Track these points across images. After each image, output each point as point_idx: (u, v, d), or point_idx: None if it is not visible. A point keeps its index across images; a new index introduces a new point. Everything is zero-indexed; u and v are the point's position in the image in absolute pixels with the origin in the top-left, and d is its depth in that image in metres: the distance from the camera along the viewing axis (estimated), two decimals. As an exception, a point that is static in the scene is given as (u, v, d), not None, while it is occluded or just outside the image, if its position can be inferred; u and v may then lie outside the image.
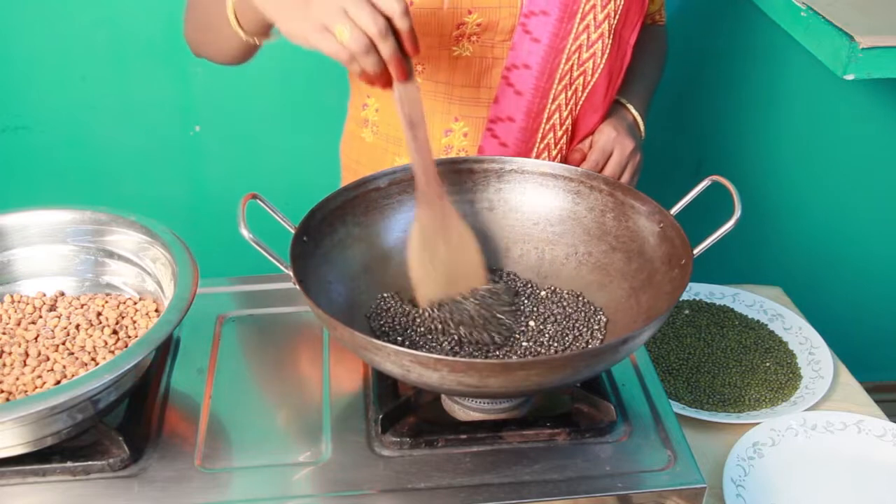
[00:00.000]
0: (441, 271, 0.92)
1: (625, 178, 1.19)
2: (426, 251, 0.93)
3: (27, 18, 1.66)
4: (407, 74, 0.84)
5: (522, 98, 1.12)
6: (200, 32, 1.09)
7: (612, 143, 1.17)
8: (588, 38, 1.10)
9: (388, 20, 0.81)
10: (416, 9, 1.05)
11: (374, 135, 1.21)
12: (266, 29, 0.97)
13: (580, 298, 0.96)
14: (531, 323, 0.93)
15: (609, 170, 1.17)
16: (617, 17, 1.11)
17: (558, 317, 0.94)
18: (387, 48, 0.81)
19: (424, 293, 0.93)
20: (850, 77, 1.20)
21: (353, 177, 1.13)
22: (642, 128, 1.24)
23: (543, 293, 0.97)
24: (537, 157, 1.17)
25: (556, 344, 0.90)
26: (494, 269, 1.01)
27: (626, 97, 1.24)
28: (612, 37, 1.11)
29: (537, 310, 0.95)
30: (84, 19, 1.66)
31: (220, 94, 1.76)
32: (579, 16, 1.09)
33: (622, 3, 1.10)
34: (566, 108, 1.15)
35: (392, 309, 0.94)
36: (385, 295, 0.95)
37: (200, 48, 1.13)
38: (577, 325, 0.93)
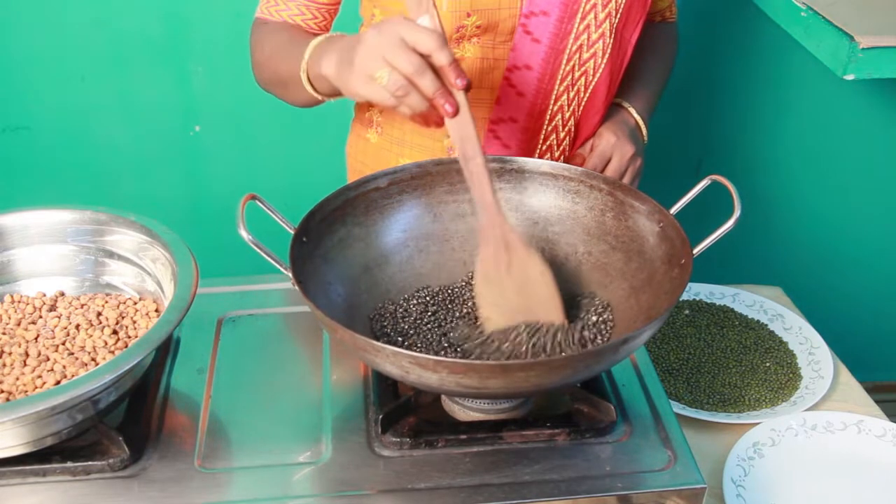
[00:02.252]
0: (508, 307, 0.88)
1: (624, 182, 1.18)
2: (490, 286, 0.89)
3: (27, 18, 1.66)
4: (454, 110, 0.83)
5: (524, 99, 1.12)
6: (276, 86, 1.13)
7: (611, 148, 1.16)
8: (588, 37, 1.10)
9: (427, 57, 0.81)
10: None
11: (380, 135, 1.22)
12: (338, 91, 0.98)
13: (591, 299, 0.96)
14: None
15: (607, 175, 1.16)
16: (618, 16, 1.10)
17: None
18: (426, 84, 0.82)
19: (495, 326, 0.89)
20: (850, 77, 1.20)
21: (358, 177, 1.13)
22: (644, 132, 1.23)
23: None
24: (540, 157, 1.17)
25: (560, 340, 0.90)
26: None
27: (629, 100, 1.24)
28: (613, 36, 1.11)
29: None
30: (84, 19, 1.67)
31: (220, 94, 1.76)
32: (580, 15, 1.09)
33: (623, 1, 1.10)
34: (568, 108, 1.15)
35: (395, 311, 0.94)
36: (388, 301, 0.95)
37: (270, 89, 1.16)
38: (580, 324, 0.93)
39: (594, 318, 0.91)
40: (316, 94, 1.02)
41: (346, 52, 0.88)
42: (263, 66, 1.13)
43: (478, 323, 0.91)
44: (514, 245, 0.89)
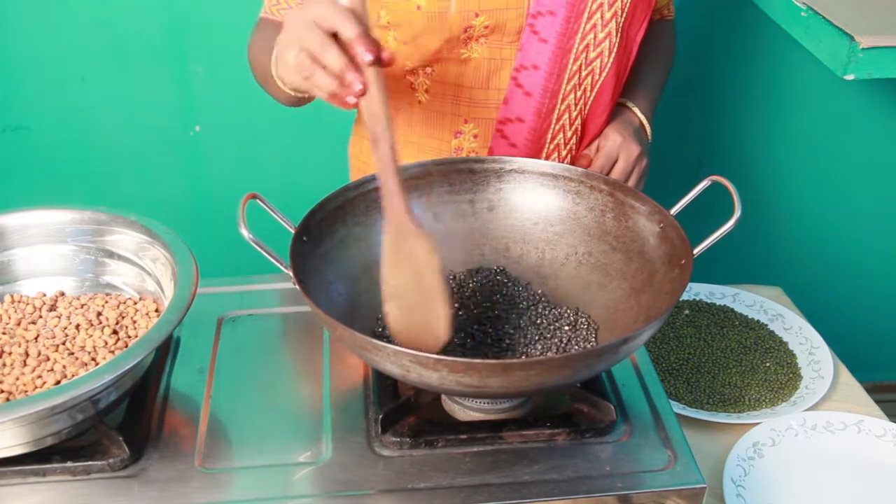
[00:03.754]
0: (408, 295, 0.85)
1: (630, 183, 1.18)
2: (392, 269, 0.85)
3: (27, 18, 1.66)
4: (360, 90, 0.76)
5: (532, 99, 1.12)
6: (262, 84, 1.11)
7: (617, 148, 1.16)
8: (595, 37, 1.10)
9: (335, 34, 0.77)
10: (423, 13, 1.05)
11: None
12: None
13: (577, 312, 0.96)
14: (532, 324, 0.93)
15: (614, 176, 1.16)
16: (624, 15, 1.10)
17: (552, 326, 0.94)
18: (331, 60, 0.77)
19: (393, 315, 0.85)
20: (850, 77, 1.20)
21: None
22: (648, 131, 1.23)
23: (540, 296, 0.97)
24: (547, 157, 1.17)
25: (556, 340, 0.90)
26: (496, 267, 1.01)
27: (633, 99, 1.24)
28: (619, 35, 1.11)
29: (536, 311, 0.95)
30: (84, 19, 1.67)
31: (220, 94, 1.76)
32: (586, 15, 1.09)
33: (629, 0, 1.10)
34: (575, 108, 1.15)
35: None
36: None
37: (265, 89, 1.14)
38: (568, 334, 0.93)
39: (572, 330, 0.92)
40: (284, 88, 0.96)
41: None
42: (253, 65, 1.12)
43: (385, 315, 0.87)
44: (412, 236, 0.83)
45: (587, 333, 0.92)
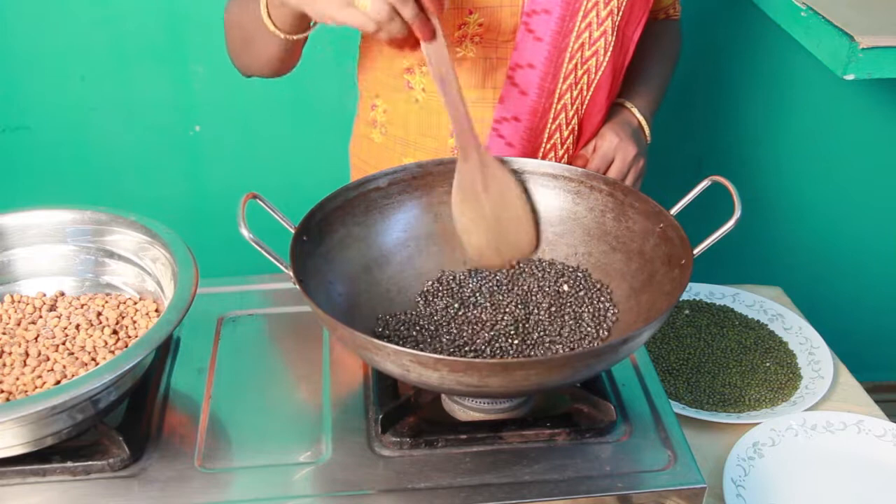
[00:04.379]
0: (485, 224, 0.97)
1: (626, 183, 1.18)
2: (467, 203, 0.97)
3: (27, 18, 1.66)
4: (432, 34, 0.90)
5: (528, 98, 1.12)
6: (243, 48, 1.11)
7: (613, 149, 1.16)
8: (590, 35, 1.10)
9: None
10: None
11: (383, 136, 1.22)
12: (300, 22, 1.00)
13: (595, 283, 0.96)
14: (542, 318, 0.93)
15: (610, 176, 1.16)
16: (620, 13, 1.10)
17: (566, 316, 0.94)
18: (408, 11, 0.87)
19: (473, 242, 0.97)
20: (850, 77, 1.20)
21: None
22: (647, 132, 1.23)
23: (565, 287, 0.97)
24: (544, 156, 1.17)
25: (566, 335, 0.90)
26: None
27: (632, 100, 1.23)
28: (615, 34, 1.11)
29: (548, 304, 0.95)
30: (84, 19, 1.67)
31: (220, 94, 1.76)
32: (581, 13, 1.08)
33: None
34: (571, 107, 1.14)
35: (400, 316, 0.94)
36: (397, 311, 0.95)
37: (247, 65, 1.14)
38: (585, 320, 0.93)
39: (597, 318, 0.92)
40: (277, 32, 1.01)
41: None
42: (230, 28, 1.11)
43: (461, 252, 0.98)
44: (488, 163, 0.96)
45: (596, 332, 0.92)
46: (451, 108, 0.95)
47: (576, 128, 1.17)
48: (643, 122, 1.22)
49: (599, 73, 1.13)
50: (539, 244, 0.99)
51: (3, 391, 0.84)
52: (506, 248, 0.99)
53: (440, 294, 0.97)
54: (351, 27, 0.89)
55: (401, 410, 0.86)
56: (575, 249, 1.00)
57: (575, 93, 1.14)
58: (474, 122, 1.14)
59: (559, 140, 1.17)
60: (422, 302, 0.96)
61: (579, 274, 0.97)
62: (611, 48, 1.12)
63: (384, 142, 1.22)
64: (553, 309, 0.94)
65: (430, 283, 0.98)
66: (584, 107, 1.16)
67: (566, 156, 1.19)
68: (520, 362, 0.76)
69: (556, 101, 1.13)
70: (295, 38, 1.03)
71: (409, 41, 0.91)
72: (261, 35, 1.03)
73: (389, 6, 0.86)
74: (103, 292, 0.99)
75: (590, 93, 1.15)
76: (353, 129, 1.30)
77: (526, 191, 0.99)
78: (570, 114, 1.15)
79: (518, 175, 1.01)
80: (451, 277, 0.99)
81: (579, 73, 1.12)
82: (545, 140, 1.16)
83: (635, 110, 1.22)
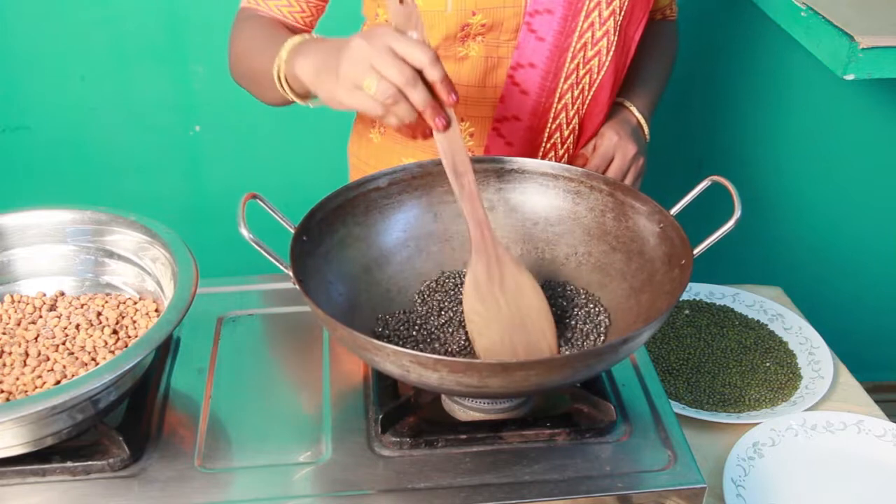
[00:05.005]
0: (502, 324, 0.88)
1: (626, 183, 1.18)
2: (482, 304, 0.89)
3: (27, 18, 1.66)
4: (445, 124, 0.84)
5: (528, 97, 1.12)
6: (249, 81, 1.11)
7: (613, 148, 1.16)
8: (593, 35, 1.10)
9: (419, 71, 0.81)
10: (419, 11, 1.05)
11: (382, 135, 1.22)
12: (309, 93, 0.98)
13: (588, 296, 0.96)
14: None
15: (610, 175, 1.16)
16: (622, 13, 1.10)
17: (557, 317, 0.94)
18: (417, 96, 0.82)
19: (485, 343, 0.88)
20: (850, 77, 1.20)
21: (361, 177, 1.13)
22: (646, 131, 1.23)
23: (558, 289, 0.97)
24: (544, 156, 1.17)
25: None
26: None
27: (631, 99, 1.23)
28: (617, 34, 1.11)
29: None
30: (84, 19, 1.67)
31: (220, 94, 1.76)
32: (583, 13, 1.08)
33: None
34: (572, 107, 1.14)
35: (400, 316, 0.94)
36: (397, 311, 0.95)
37: (248, 90, 1.14)
38: (578, 324, 0.93)
39: (587, 326, 0.92)
40: (288, 95, 1.00)
41: (328, 57, 0.87)
42: (239, 60, 1.11)
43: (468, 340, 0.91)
44: (505, 260, 0.89)
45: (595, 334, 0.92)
46: (467, 203, 0.88)
47: (576, 127, 1.17)
48: (642, 122, 1.23)
49: (601, 73, 1.13)
50: (559, 349, 0.91)
51: (3, 391, 0.84)
52: (521, 347, 0.88)
53: (440, 294, 0.97)
54: (361, 112, 0.86)
55: (401, 410, 0.86)
56: (575, 249, 1.00)
57: (576, 92, 1.14)
58: (474, 120, 1.15)
59: (559, 139, 1.17)
60: (421, 302, 0.96)
61: (569, 289, 0.97)
62: (613, 48, 1.12)
63: (382, 142, 1.22)
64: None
65: (429, 282, 0.98)
66: (585, 106, 1.16)
67: (566, 155, 1.19)
68: (520, 363, 0.76)
69: (556, 100, 1.13)
70: (302, 103, 1.01)
71: (420, 128, 0.86)
72: (269, 85, 1.01)
73: (395, 89, 0.81)
74: (103, 292, 0.99)
75: (591, 93, 1.15)
76: (351, 129, 1.30)
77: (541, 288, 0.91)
78: (571, 113, 1.15)
79: (518, 175, 1.01)
80: (451, 277, 0.99)
81: (581, 72, 1.13)
82: (545, 139, 1.16)
83: (634, 109, 1.23)
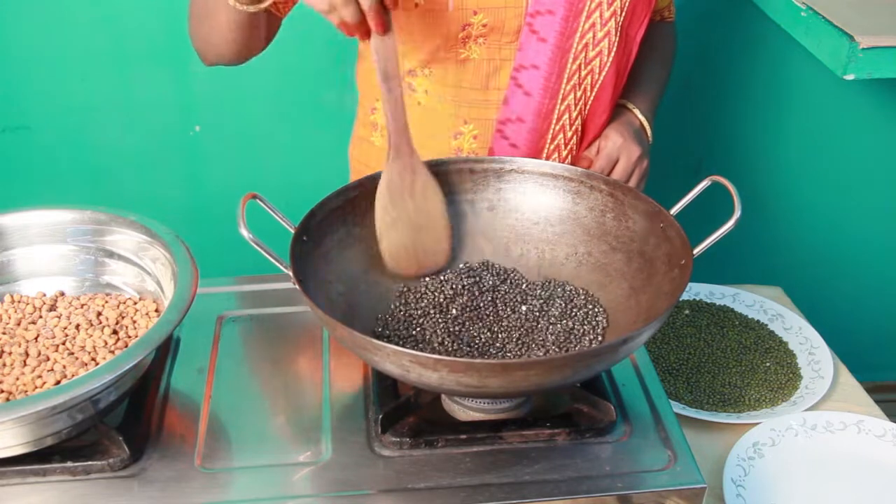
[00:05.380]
0: (406, 225, 0.96)
1: (631, 184, 1.18)
2: (393, 202, 0.96)
3: (27, 18, 1.66)
4: (385, 27, 0.89)
5: (532, 99, 1.12)
6: (202, 24, 1.08)
7: (617, 149, 1.16)
8: (594, 36, 1.10)
9: None
10: (421, 11, 1.05)
11: (384, 139, 1.22)
12: None
13: (587, 296, 0.96)
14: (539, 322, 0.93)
15: (615, 177, 1.16)
16: (623, 14, 1.10)
17: (557, 316, 0.94)
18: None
19: (394, 242, 0.96)
20: (850, 77, 1.20)
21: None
22: (649, 132, 1.24)
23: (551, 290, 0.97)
24: (547, 157, 1.17)
25: (556, 340, 0.90)
26: (499, 267, 1.01)
27: (633, 101, 1.24)
28: (618, 34, 1.11)
29: (541, 307, 0.95)
30: (84, 19, 1.66)
31: (220, 94, 1.76)
32: (585, 14, 1.08)
33: (628, 0, 1.10)
34: (575, 107, 1.15)
35: (400, 316, 0.94)
36: (395, 305, 0.95)
37: (205, 43, 1.12)
38: (576, 325, 0.93)
39: (585, 327, 0.92)
40: (234, 3, 0.98)
41: None
42: (190, 10, 1.10)
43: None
44: (419, 170, 0.96)
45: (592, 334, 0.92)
46: (390, 105, 0.94)
47: (579, 128, 1.17)
48: (645, 123, 1.23)
49: (603, 73, 1.13)
50: (451, 256, 0.99)
51: (3, 391, 0.84)
52: (423, 255, 0.97)
53: (440, 294, 0.97)
54: (305, 5, 0.89)
55: (401, 410, 0.86)
56: (575, 249, 1.00)
57: (578, 93, 1.14)
58: (478, 122, 1.15)
59: (563, 141, 1.17)
60: (420, 302, 0.96)
61: (569, 289, 0.97)
62: (614, 48, 1.12)
63: (384, 145, 1.22)
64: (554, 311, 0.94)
65: (429, 282, 0.98)
66: (588, 107, 1.16)
67: (570, 156, 1.19)
68: (520, 362, 0.76)
69: (559, 101, 1.13)
70: (251, 9, 1.00)
71: (360, 29, 0.89)
72: (218, 8, 1.01)
73: None
74: (103, 292, 0.99)
75: (593, 93, 1.15)
76: (352, 132, 1.30)
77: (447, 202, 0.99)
78: (574, 115, 1.15)
79: (518, 175, 1.01)
80: (450, 277, 0.99)
81: (583, 73, 1.13)
82: (549, 141, 1.16)
83: (637, 111, 1.23)
